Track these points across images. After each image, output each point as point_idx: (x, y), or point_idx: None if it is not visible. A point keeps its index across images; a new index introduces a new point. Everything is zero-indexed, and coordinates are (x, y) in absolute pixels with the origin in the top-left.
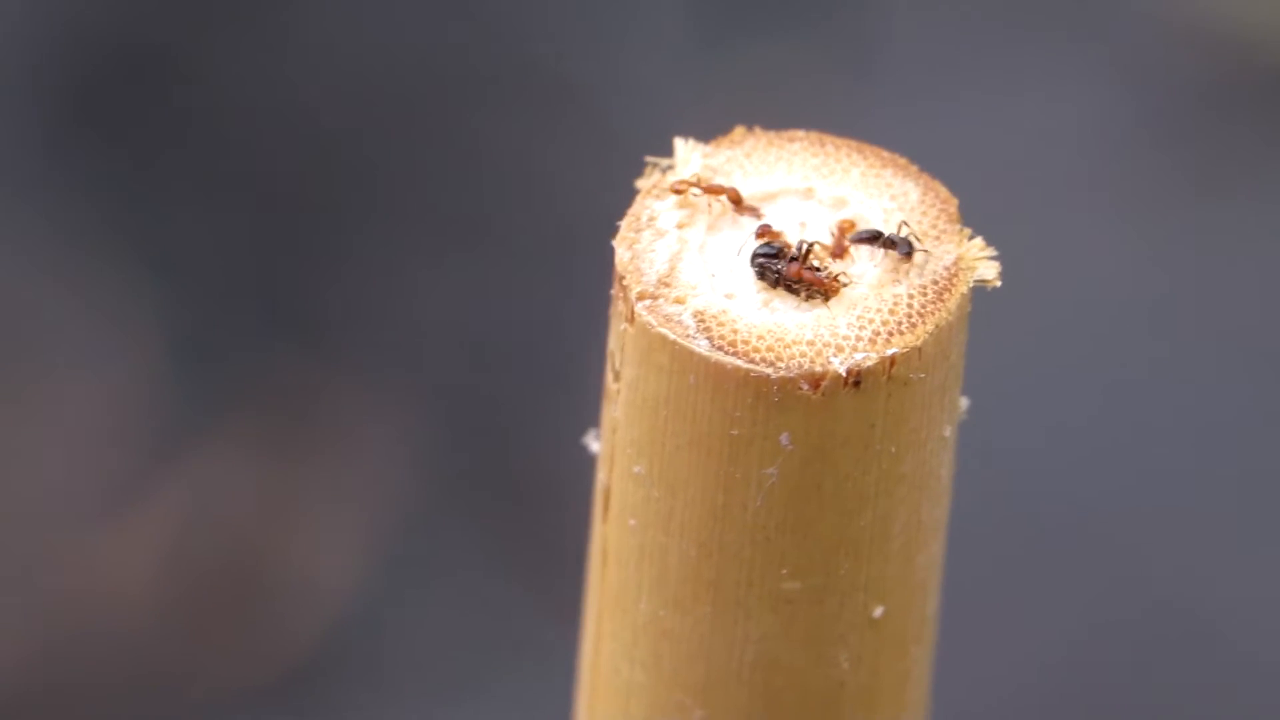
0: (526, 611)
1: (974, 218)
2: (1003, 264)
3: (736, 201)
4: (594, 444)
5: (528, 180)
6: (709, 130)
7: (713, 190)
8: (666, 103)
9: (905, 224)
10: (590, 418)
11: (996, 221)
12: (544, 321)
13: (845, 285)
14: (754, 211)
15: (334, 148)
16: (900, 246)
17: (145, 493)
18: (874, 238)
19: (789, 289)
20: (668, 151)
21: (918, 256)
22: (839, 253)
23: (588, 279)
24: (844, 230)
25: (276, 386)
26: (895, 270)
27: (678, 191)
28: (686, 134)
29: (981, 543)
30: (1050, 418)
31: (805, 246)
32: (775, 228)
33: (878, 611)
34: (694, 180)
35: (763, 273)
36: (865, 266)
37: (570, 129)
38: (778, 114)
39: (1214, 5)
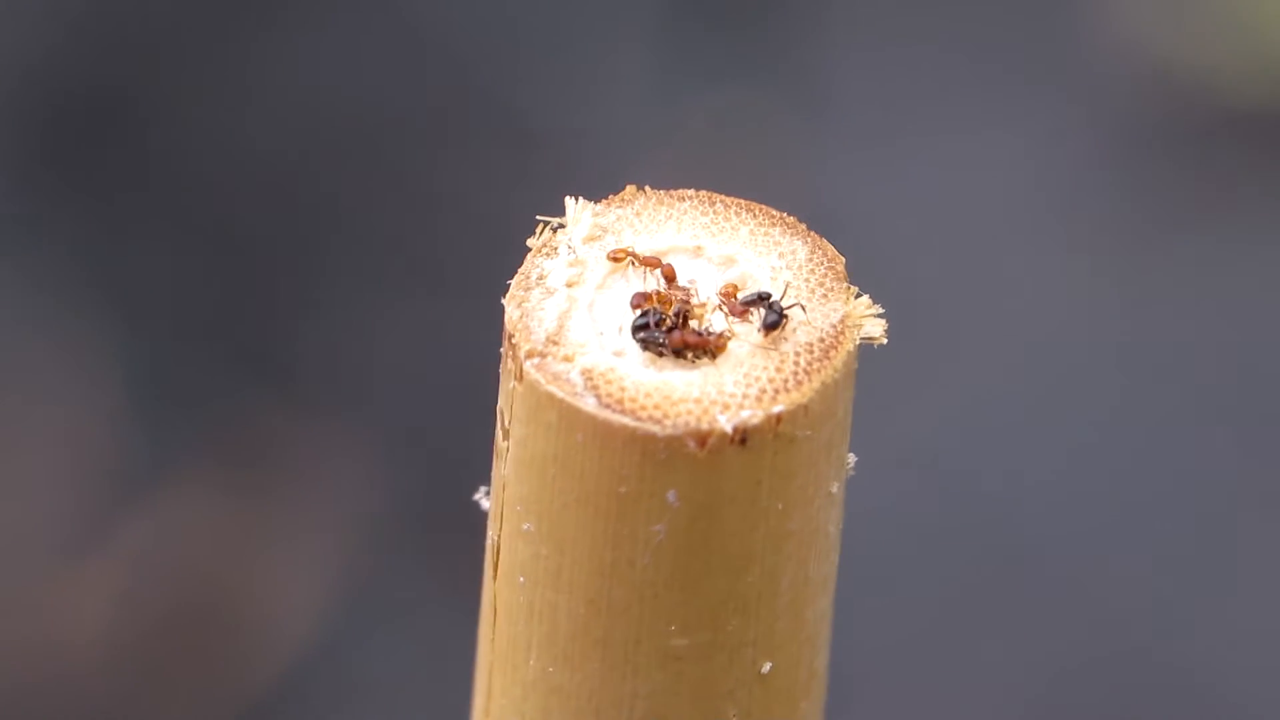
0: None
1: (931, 258)
2: (958, 303)
3: (670, 279)
4: (484, 501)
5: (488, 222)
6: (668, 172)
7: (649, 264)
8: (626, 147)
9: (789, 285)
10: None
11: (953, 261)
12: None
13: (729, 340)
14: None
15: (297, 190)
16: (767, 316)
17: (104, 534)
18: (756, 300)
19: (675, 355)
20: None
21: (790, 321)
22: (733, 311)
23: None
24: (728, 294)
25: (237, 427)
26: (770, 338)
27: (616, 260)
28: (645, 178)
29: (951, 587)
30: (1013, 460)
31: (683, 311)
32: (650, 291)
33: (766, 667)
34: (630, 251)
35: (645, 345)
36: (750, 325)
37: (529, 172)
38: (735, 157)
39: (1169, 48)
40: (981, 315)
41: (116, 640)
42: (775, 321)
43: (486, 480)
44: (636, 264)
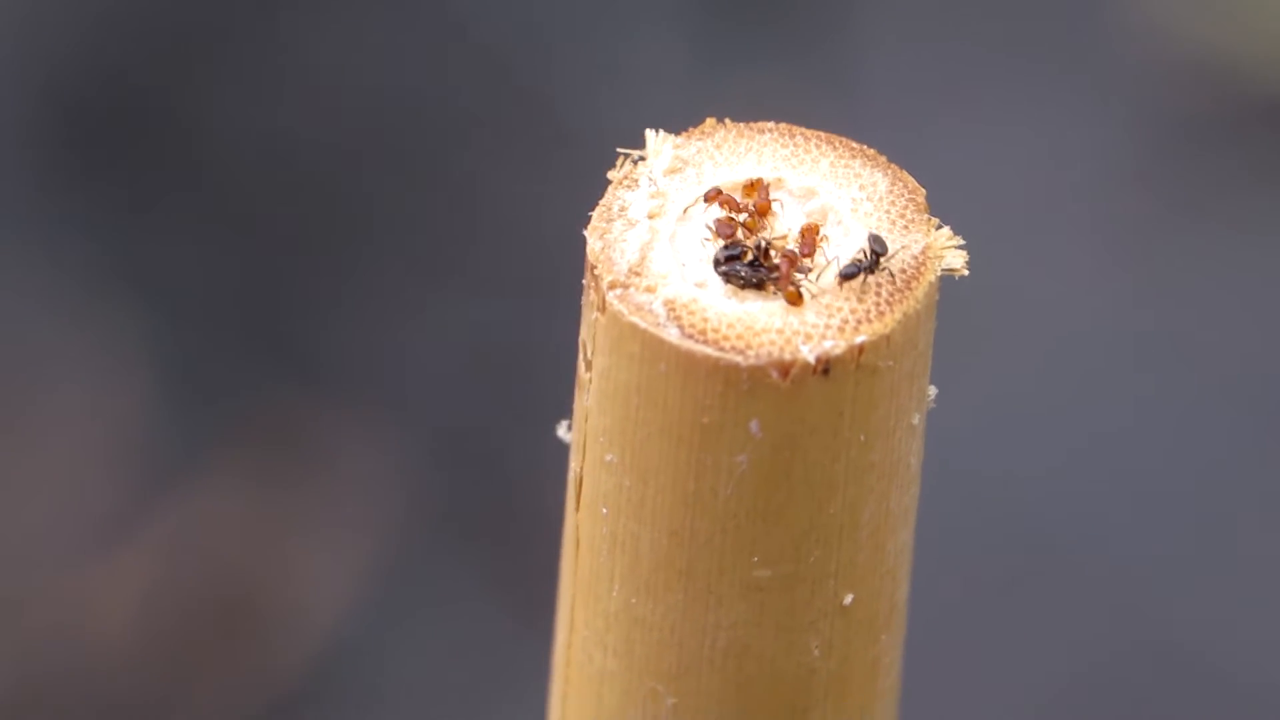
0: (518, 642)
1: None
2: (989, 294)
3: (765, 212)
4: (566, 434)
5: (517, 217)
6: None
7: (735, 207)
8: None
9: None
10: None
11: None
12: (533, 355)
13: (807, 289)
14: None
15: (326, 184)
16: (847, 267)
17: (137, 524)
18: (853, 274)
19: (756, 287)
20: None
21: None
22: (806, 252)
23: (577, 313)
24: (806, 234)
25: (267, 418)
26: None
27: (710, 200)
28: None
29: (971, 582)
30: (1036, 453)
31: (764, 246)
32: (731, 220)
33: (848, 599)
34: (744, 206)
35: (728, 278)
36: (833, 256)
37: (559, 161)
38: None
39: (1198, 36)
40: (1007, 307)
41: (146, 630)
42: (853, 273)
43: (516, 468)
44: (731, 207)
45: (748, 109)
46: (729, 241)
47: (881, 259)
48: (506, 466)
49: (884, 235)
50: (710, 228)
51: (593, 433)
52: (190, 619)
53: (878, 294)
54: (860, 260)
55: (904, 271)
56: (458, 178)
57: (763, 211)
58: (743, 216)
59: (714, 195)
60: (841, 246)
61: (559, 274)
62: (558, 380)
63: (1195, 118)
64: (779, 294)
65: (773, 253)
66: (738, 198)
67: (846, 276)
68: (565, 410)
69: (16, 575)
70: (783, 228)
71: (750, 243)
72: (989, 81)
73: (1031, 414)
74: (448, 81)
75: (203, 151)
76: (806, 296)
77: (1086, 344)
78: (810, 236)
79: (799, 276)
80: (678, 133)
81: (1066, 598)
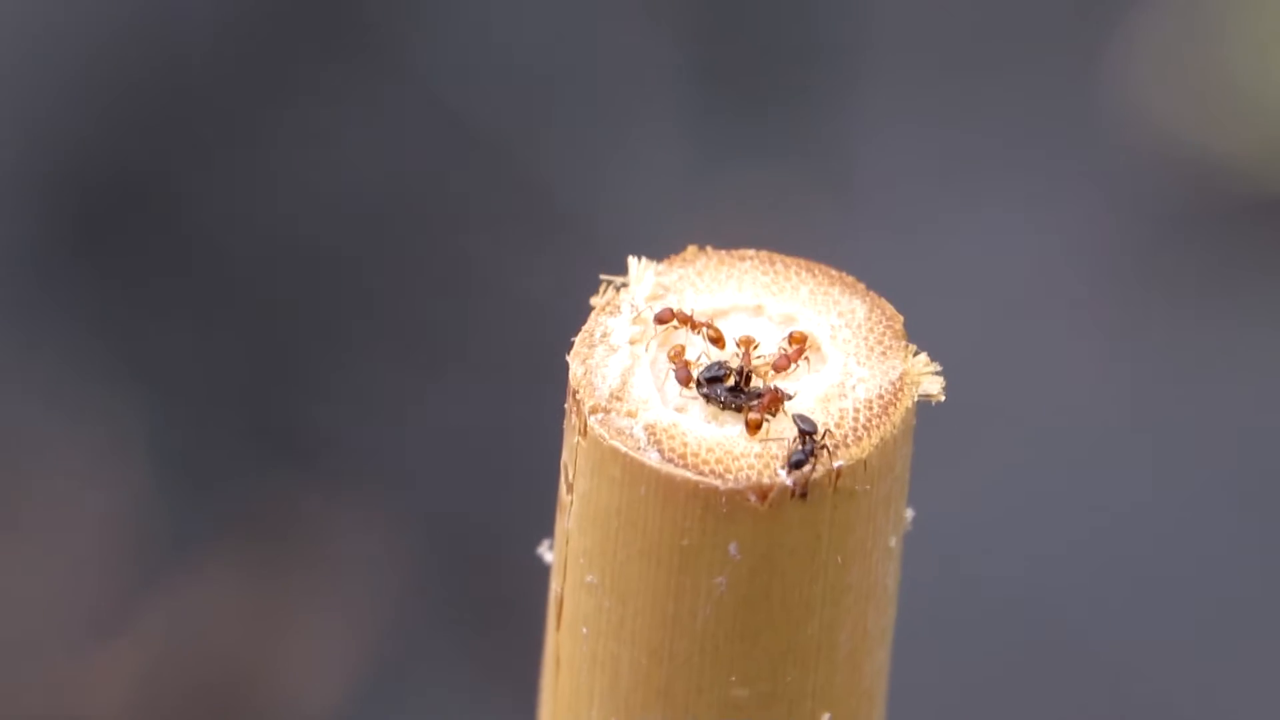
0: None
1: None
2: (984, 384)
3: (717, 341)
4: (547, 554)
5: (516, 302)
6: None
7: (690, 323)
8: (654, 226)
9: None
10: None
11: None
12: (533, 442)
13: (789, 399)
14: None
15: (323, 271)
16: (794, 455)
17: (132, 613)
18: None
19: (736, 410)
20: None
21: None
22: (782, 366)
23: None
24: (794, 342)
25: (263, 507)
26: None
27: (662, 321)
28: (671, 255)
29: (976, 670)
30: (1039, 541)
31: (745, 371)
32: (685, 346)
33: (825, 719)
34: (681, 314)
35: (708, 399)
36: (809, 382)
37: (557, 251)
38: (764, 236)
39: (1193, 134)
40: (1006, 396)
41: (148, 718)
42: (800, 462)
43: (514, 554)
44: (681, 325)
45: (745, 200)
46: (711, 366)
47: (813, 437)
48: (504, 554)
49: (810, 413)
50: (668, 355)
51: (573, 554)
52: (186, 707)
53: (855, 419)
54: (799, 449)
55: (881, 397)
56: (455, 265)
57: (715, 340)
58: (703, 332)
59: (667, 316)
60: (819, 374)
61: (557, 360)
62: (553, 462)
63: (1189, 210)
64: (758, 419)
65: (754, 378)
66: (695, 318)
67: (796, 466)
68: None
69: (11, 664)
70: (762, 353)
71: (732, 367)
72: (986, 174)
73: (1025, 498)
74: (446, 170)
75: (199, 239)
76: (768, 426)
77: (1086, 434)
78: (799, 345)
79: (766, 417)
80: (670, 241)
81: (1069, 687)
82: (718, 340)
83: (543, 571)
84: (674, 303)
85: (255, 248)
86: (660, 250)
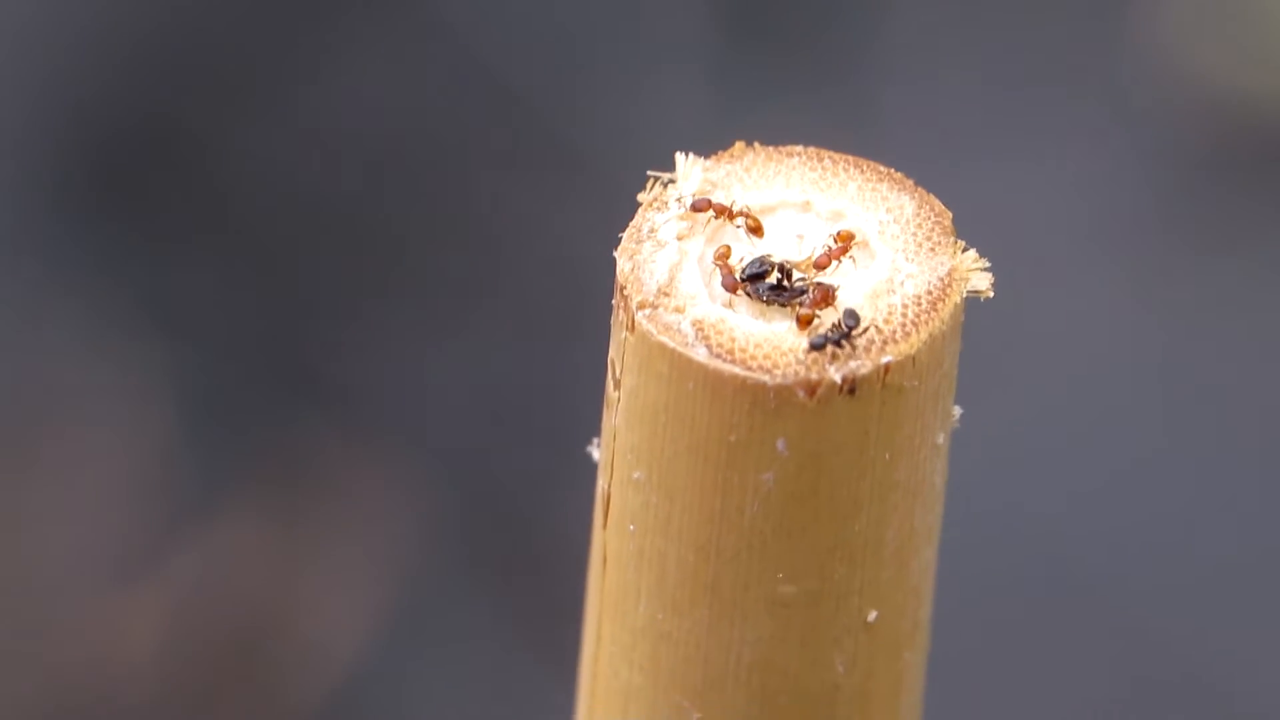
0: (536, 677)
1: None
2: (1007, 333)
3: (756, 231)
4: (595, 451)
5: (540, 248)
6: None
7: (726, 213)
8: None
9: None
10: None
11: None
12: (556, 389)
13: (833, 298)
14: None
15: (346, 217)
16: (814, 339)
17: (156, 559)
18: (820, 346)
19: (780, 306)
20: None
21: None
22: (823, 263)
23: (599, 346)
24: (840, 240)
25: (288, 454)
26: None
27: (698, 209)
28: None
29: (988, 616)
30: (1055, 489)
31: (787, 267)
32: (731, 247)
33: (872, 616)
34: (718, 205)
35: (750, 296)
36: (856, 278)
37: (581, 196)
38: None
39: (1218, 75)
40: (1026, 342)
41: (165, 665)
42: (819, 345)
43: (536, 502)
44: (718, 216)
45: (768, 141)
46: (755, 261)
47: (852, 332)
48: (526, 501)
49: (860, 309)
50: (714, 256)
51: (620, 451)
52: (211, 652)
53: (904, 315)
54: (830, 334)
55: (930, 293)
56: (479, 213)
57: (754, 229)
58: (739, 222)
59: (703, 206)
60: (867, 270)
61: (580, 307)
62: (578, 414)
63: (1216, 155)
64: (809, 314)
65: (795, 274)
66: (732, 208)
67: (814, 347)
68: (588, 438)
69: (40, 608)
70: (808, 250)
71: (774, 263)
72: (1009, 116)
73: (1049, 448)
74: (469, 117)
75: (224, 186)
76: (818, 321)
77: (1106, 379)
78: (844, 244)
79: (817, 313)
80: (696, 151)
81: (1085, 631)
82: (756, 229)
83: (565, 513)
84: (721, 198)
85: (279, 195)
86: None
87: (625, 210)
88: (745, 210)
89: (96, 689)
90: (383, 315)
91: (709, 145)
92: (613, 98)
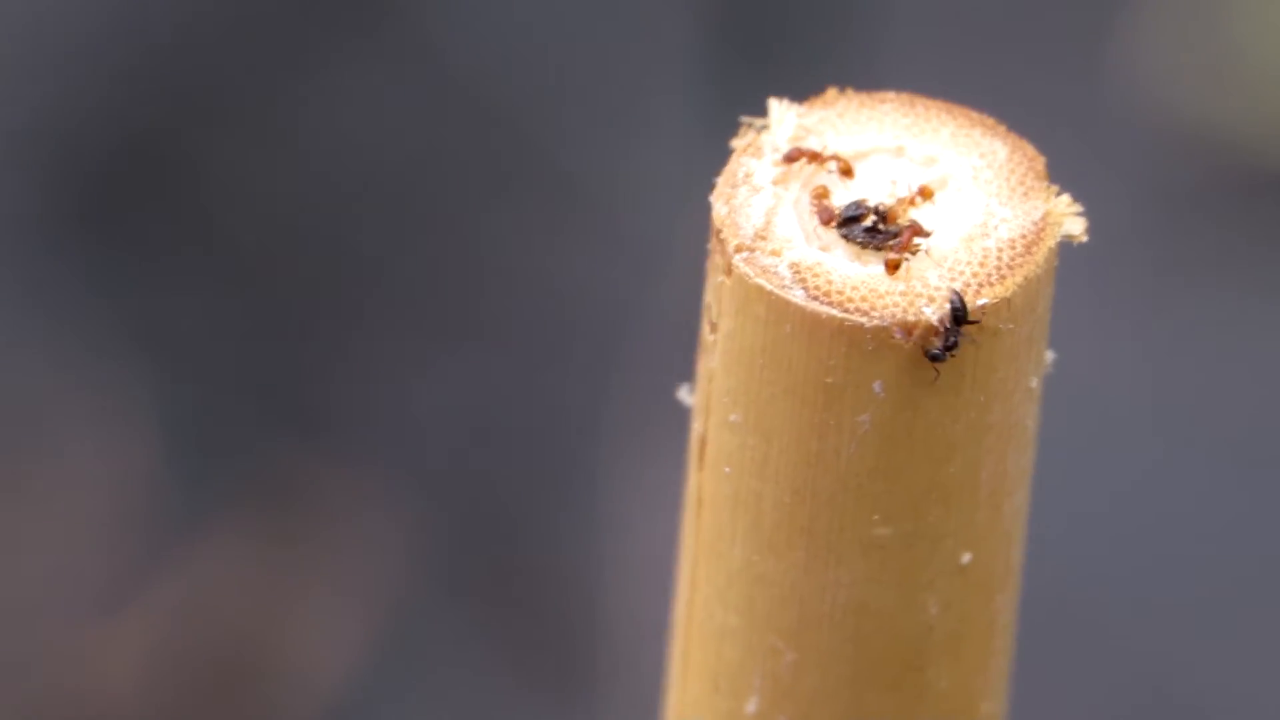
0: (522, 702)
1: None
2: None
3: (847, 173)
4: (687, 397)
5: (527, 272)
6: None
7: (817, 158)
8: (670, 195)
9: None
10: (593, 509)
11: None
12: (543, 413)
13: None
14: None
15: (335, 240)
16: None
17: (142, 585)
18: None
19: (877, 249)
20: (667, 246)
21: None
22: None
23: (587, 370)
24: (922, 193)
25: (274, 479)
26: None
27: (790, 159)
28: (683, 231)
29: None
30: (1049, 513)
31: (883, 210)
32: (828, 188)
33: (965, 558)
34: (809, 151)
35: (846, 239)
36: (953, 223)
37: (567, 219)
38: None
39: (1202, 109)
40: None
41: (150, 691)
42: (937, 357)
43: (524, 526)
44: (810, 161)
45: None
46: (851, 205)
47: (959, 321)
48: (513, 526)
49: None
50: (811, 195)
51: (717, 393)
52: (194, 679)
53: (999, 258)
54: (943, 337)
55: (1024, 237)
56: (466, 234)
57: (845, 171)
58: (830, 166)
59: (795, 155)
60: (961, 214)
61: (567, 330)
62: (563, 438)
63: (1200, 190)
64: (896, 259)
65: (892, 217)
66: (823, 153)
67: (934, 359)
68: (575, 462)
69: (21, 635)
70: (903, 191)
71: (869, 207)
72: None
73: (1038, 481)
74: (455, 140)
75: (210, 208)
76: (908, 265)
77: (1093, 407)
78: (926, 195)
79: (918, 243)
80: (686, 210)
81: (1079, 654)
82: (847, 172)
83: (554, 538)
84: (815, 144)
85: (266, 219)
86: (669, 220)
87: (612, 236)
88: (836, 155)
89: (78, 716)
90: (368, 339)
91: (698, 168)
92: (599, 121)
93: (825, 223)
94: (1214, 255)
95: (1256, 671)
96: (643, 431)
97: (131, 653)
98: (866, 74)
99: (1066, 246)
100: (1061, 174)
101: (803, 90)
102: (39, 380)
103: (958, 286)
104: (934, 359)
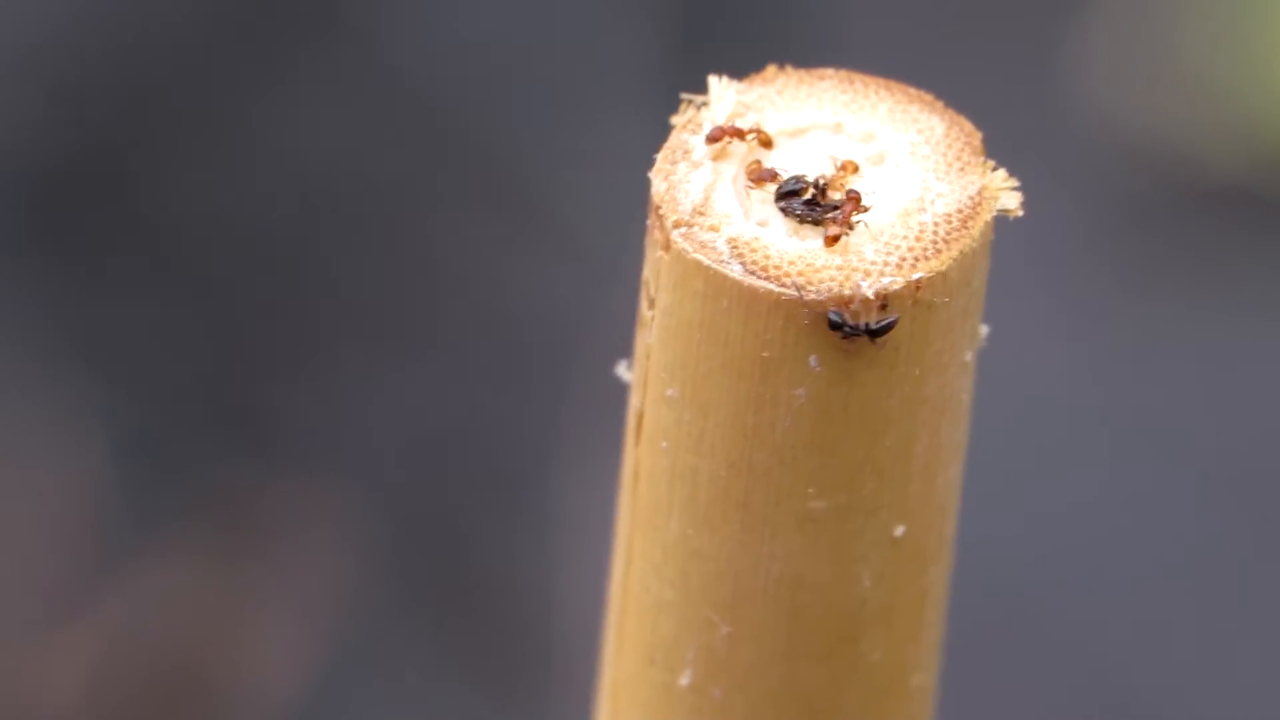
0: (478, 708)
1: None
2: None
3: (766, 144)
4: (625, 373)
5: (480, 282)
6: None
7: (738, 133)
8: (627, 207)
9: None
10: (546, 517)
11: None
12: (495, 422)
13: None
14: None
15: (285, 254)
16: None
17: (90, 599)
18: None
19: (814, 224)
20: (621, 256)
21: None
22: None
23: (541, 380)
24: (845, 169)
25: (223, 492)
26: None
27: (713, 140)
28: (637, 241)
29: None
30: (996, 528)
31: (821, 184)
32: (762, 163)
33: (899, 531)
34: (730, 128)
35: (785, 213)
36: (892, 194)
37: (524, 234)
38: None
39: (1148, 122)
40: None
41: (98, 706)
42: (838, 325)
43: (475, 537)
44: (732, 138)
45: None
46: (790, 179)
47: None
48: (465, 539)
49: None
50: (746, 169)
51: (654, 369)
52: (142, 693)
53: (935, 233)
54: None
55: (960, 211)
56: (419, 249)
57: (765, 144)
58: (750, 139)
59: (717, 135)
60: (899, 189)
61: (520, 340)
62: (519, 451)
63: (1147, 202)
64: (836, 233)
65: (830, 191)
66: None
67: (834, 326)
68: (529, 473)
69: None
70: (841, 166)
71: (809, 180)
72: None
73: (990, 483)
74: (411, 153)
75: (160, 220)
76: (846, 240)
77: (1043, 416)
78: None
79: (856, 218)
80: (643, 222)
81: (1030, 662)
82: (767, 144)
83: (506, 551)
84: (754, 121)
85: (215, 230)
86: (632, 232)
87: (567, 248)
88: (755, 127)
89: None
90: (319, 350)
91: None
92: (557, 131)
93: (756, 181)
94: (1163, 267)
95: (1216, 674)
96: (596, 440)
97: (78, 666)
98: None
99: (1022, 256)
100: (1015, 182)
101: None
102: None
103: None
104: (866, 333)
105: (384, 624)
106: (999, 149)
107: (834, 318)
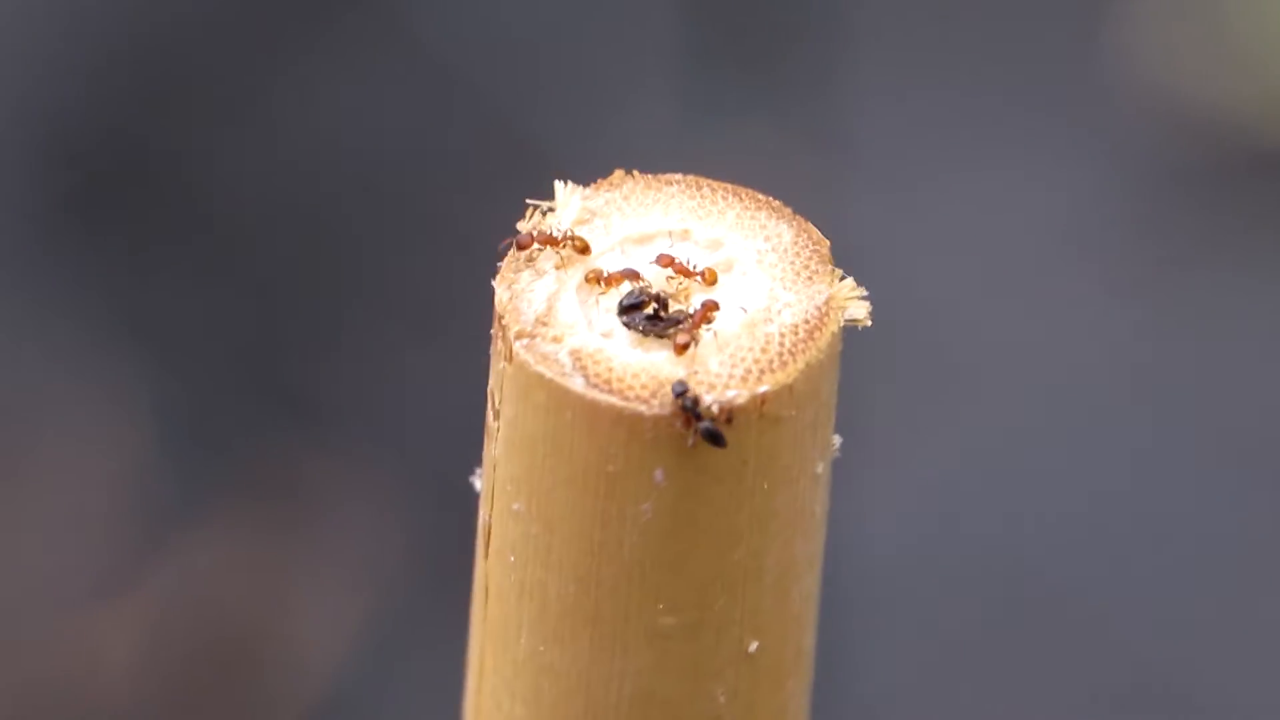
0: None
1: (951, 298)
2: (983, 344)
3: (583, 250)
4: (478, 482)
5: None
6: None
7: (550, 240)
8: None
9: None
10: None
11: (980, 298)
12: None
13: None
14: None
15: (328, 233)
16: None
17: (137, 573)
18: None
19: (659, 337)
20: None
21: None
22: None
23: None
24: (705, 279)
25: (268, 468)
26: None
27: (522, 246)
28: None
29: (971, 629)
30: (1034, 499)
31: (664, 298)
32: (606, 272)
33: (753, 646)
34: (542, 235)
35: (628, 327)
36: (737, 307)
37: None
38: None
39: (1190, 90)
40: (1003, 355)
41: (146, 679)
42: (681, 393)
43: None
44: (544, 245)
45: (739, 159)
46: (632, 293)
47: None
48: None
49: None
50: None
51: (500, 481)
52: (190, 667)
53: (781, 344)
54: (687, 400)
55: (807, 322)
56: (458, 227)
57: (581, 250)
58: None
59: (526, 242)
60: (745, 298)
61: None
62: None
63: (1191, 166)
64: (685, 341)
65: (672, 305)
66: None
67: (678, 395)
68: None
69: (17, 623)
70: (686, 277)
71: (650, 294)
72: (984, 133)
73: (1032, 462)
74: (446, 132)
75: (203, 202)
76: (694, 348)
77: (1086, 390)
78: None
79: (701, 331)
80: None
81: (1061, 643)
82: (584, 250)
83: None
84: (601, 227)
85: (258, 209)
86: None
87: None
88: (569, 234)
89: (72, 706)
90: (362, 329)
91: (683, 158)
92: (586, 113)
93: (592, 282)
94: (1207, 234)
95: (1238, 660)
96: None
97: (125, 641)
98: (846, 58)
99: (1067, 230)
100: (1052, 152)
101: (782, 78)
102: (33, 371)
103: (730, 376)
104: (711, 438)
105: (425, 596)
106: (1037, 114)
107: (678, 389)
